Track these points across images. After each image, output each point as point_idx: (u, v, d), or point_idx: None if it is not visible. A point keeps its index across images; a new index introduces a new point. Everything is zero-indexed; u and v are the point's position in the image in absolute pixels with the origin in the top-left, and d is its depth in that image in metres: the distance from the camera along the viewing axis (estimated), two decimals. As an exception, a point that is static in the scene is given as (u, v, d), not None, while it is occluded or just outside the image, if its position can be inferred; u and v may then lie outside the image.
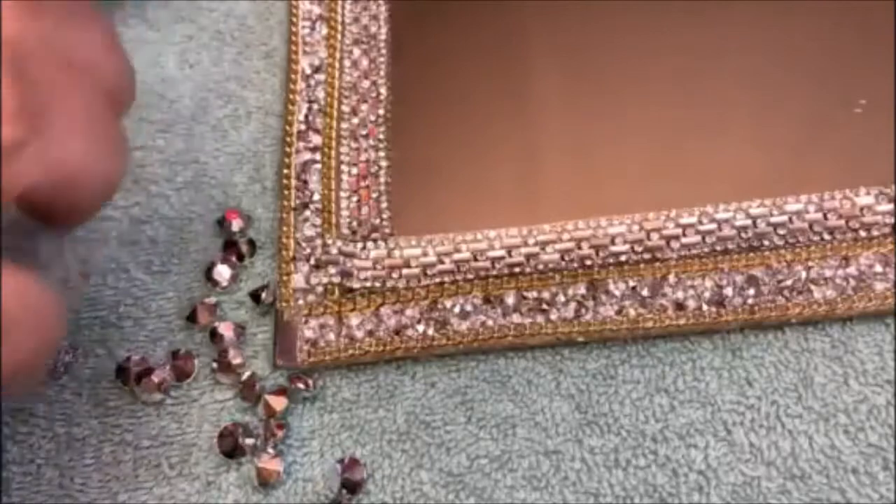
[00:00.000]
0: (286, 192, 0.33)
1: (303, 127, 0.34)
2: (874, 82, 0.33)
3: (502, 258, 0.31)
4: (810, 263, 0.31)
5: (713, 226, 0.31)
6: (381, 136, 0.34)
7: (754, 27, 0.35)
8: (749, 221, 0.31)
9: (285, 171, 0.34)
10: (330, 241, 0.32)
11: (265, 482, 0.30)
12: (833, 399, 0.30)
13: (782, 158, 0.32)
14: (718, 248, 0.31)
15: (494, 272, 0.31)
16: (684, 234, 0.31)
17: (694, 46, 0.35)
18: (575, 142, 0.34)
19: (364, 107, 0.35)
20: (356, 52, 0.36)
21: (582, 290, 0.31)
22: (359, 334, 0.31)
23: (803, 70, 0.34)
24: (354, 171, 0.34)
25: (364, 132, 0.34)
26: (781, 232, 0.31)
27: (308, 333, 0.31)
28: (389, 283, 0.31)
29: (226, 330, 0.32)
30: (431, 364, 0.31)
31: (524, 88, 0.35)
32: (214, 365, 0.31)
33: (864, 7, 0.35)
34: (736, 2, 0.35)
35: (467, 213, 0.33)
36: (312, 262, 0.32)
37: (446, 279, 0.31)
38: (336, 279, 0.32)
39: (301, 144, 0.34)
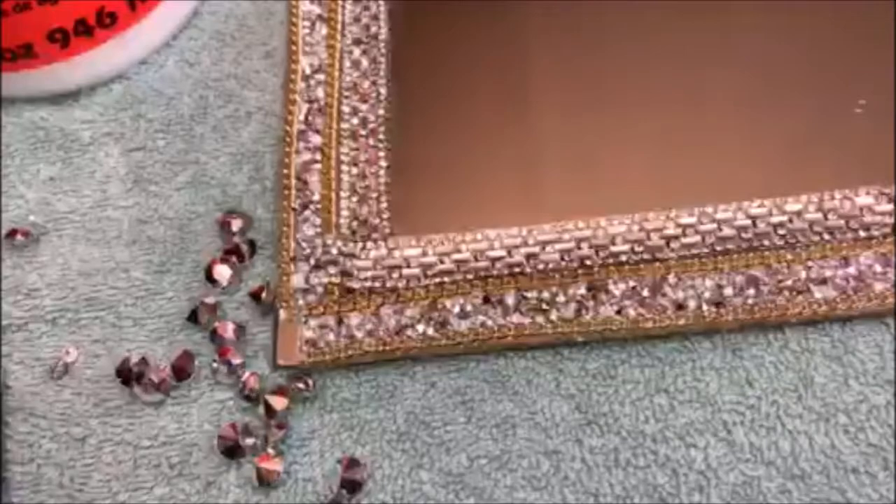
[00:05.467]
0: (286, 193, 0.33)
1: (303, 127, 0.34)
2: (874, 82, 0.33)
3: (502, 258, 0.31)
4: (810, 263, 0.31)
5: (713, 226, 0.31)
6: (381, 136, 0.34)
7: (754, 28, 0.35)
8: (749, 221, 0.31)
9: (285, 171, 0.34)
10: (330, 241, 0.32)
11: (265, 482, 0.30)
12: (833, 399, 0.29)
13: (782, 158, 0.32)
14: (718, 248, 0.31)
15: (494, 272, 0.31)
16: (684, 234, 0.31)
17: (694, 47, 0.35)
18: (575, 141, 0.34)
19: (364, 107, 0.35)
20: (356, 52, 0.36)
21: (582, 290, 0.31)
22: (359, 334, 0.31)
23: (803, 70, 0.34)
24: (354, 171, 0.34)
25: (365, 132, 0.34)
26: (781, 232, 0.31)
27: (308, 333, 0.31)
28: (389, 283, 0.31)
29: (226, 330, 0.32)
30: (431, 364, 0.31)
31: (524, 88, 0.35)
32: (214, 365, 0.31)
33: (864, 7, 0.34)
34: (735, 3, 0.35)
35: (467, 213, 0.32)
36: (312, 262, 0.32)
37: (446, 279, 0.31)
38: (336, 279, 0.32)
39: (301, 144, 0.34)
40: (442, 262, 0.31)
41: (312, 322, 0.31)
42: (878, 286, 0.30)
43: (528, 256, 0.31)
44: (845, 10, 0.35)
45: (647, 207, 0.31)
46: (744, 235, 0.31)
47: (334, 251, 0.32)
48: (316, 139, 0.34)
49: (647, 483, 0.29)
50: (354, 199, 0.33)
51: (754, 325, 0.30)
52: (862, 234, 0.31)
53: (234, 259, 0.33)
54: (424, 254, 0.32)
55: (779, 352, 0.30)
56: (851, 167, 0.32)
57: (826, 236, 0.31)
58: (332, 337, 0.31)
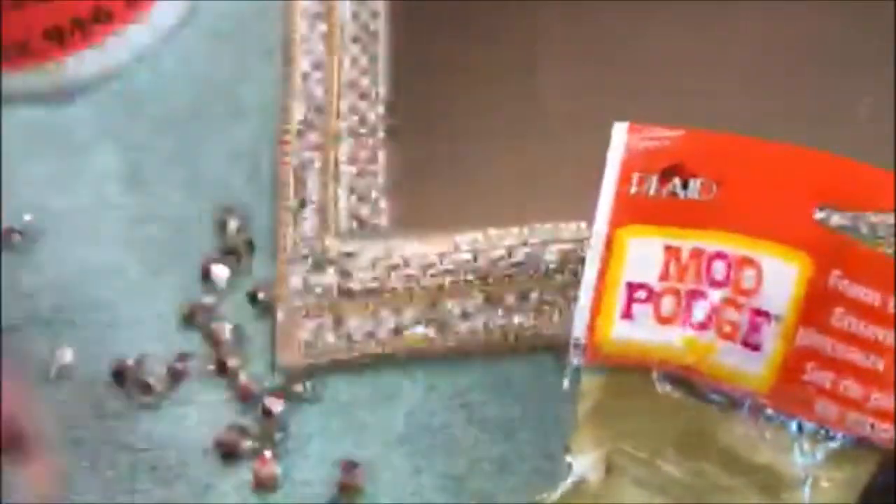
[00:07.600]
0: (284, 192, 0.33)
1: (301, 126, 0.34)
2: (875, 82, 0.33)
3: (502, 258, 0.31)
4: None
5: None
6: (381, 135, 0.34)
7: (754, 27, 0.35)
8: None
9: (283, 169, 0.33)
10: (328, 241, 0.32)
11: (263, 485, 0.29)
12: (837, 401, 0.29)
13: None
14: (721, 247, 0.31)
15: (495, 272, 0.31)
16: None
17: (694, 47, 0.35)
18: (576, 141, 0.33)
19: (363, 105, 0.35)
20: (355, 49, 0.36)
21: (583, 290, 0.31)
22: (358, 335, 0.31)
23: (803, 70, 0.34)
24: (354, 170, 0.34)
25: (363, 130, 0.34)
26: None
27: (306, 334, 0.31)
28: (389, 284, 0.31)
29: (223, 331, 0.32)
30: (432, 365, 0.31)
31: (525, 86, 0.35)
32: (212, 366, 0.31)
33: (864, 7, 0.34)
34: (736, 2, 0.35)
35: (468, 212, 0.32)
36: (311, 262, 0.32)
37: (446, 279, 0.31)
38: (334, 279, 0.31)
39: (299, 143, 0.34)
40: (442, 262, 0.31)
41: (311, 323, 0.31)
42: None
43: (529, 256, 0.31)
44: (845, 9, 0.34)
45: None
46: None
47: (333, 251, 0.32)
48: (315, 138, 0.34)
49: (649, 486, 0.29)
50: (354, 198, 0.33)
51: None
52: (864, 234, 0.31)
53: (231, 259, 0.33)
54: (424, 254, 0.31)
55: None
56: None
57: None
58: (331, 338, 0.31)
